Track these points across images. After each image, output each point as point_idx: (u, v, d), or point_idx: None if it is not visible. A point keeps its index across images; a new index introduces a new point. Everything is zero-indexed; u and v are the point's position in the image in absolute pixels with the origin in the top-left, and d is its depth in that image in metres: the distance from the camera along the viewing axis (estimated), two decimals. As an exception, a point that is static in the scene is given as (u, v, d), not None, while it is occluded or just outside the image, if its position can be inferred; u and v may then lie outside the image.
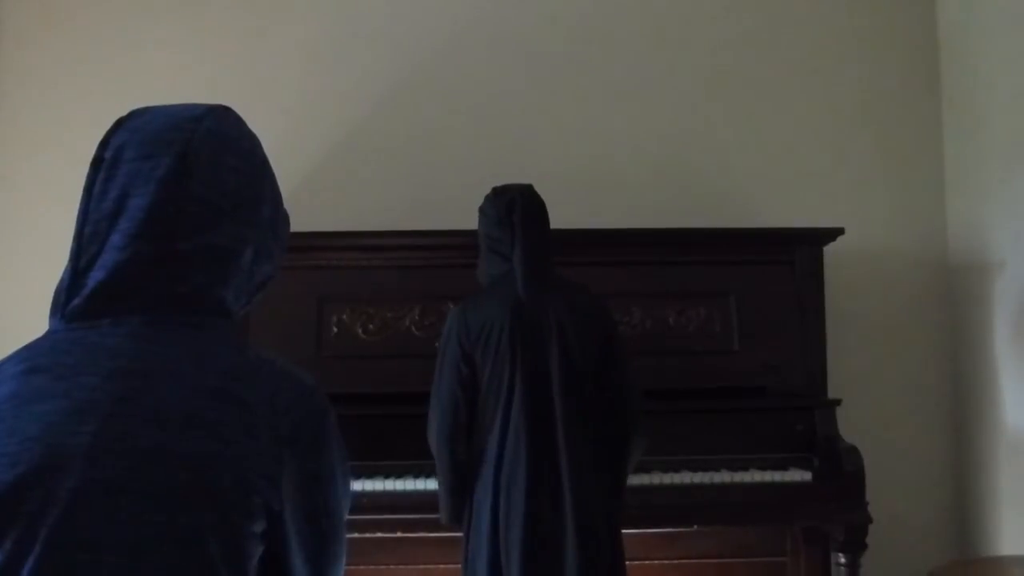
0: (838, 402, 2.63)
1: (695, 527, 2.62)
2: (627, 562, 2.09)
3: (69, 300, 0.86)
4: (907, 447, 3.04)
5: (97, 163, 0.90)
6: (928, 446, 3.08)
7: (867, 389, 2.96)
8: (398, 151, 3.12)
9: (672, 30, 3.20)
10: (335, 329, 2.68)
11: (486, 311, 2.06)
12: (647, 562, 2.65)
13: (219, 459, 0.80)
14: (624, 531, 2.12)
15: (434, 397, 2.09)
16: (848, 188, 3.15)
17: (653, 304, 2.72)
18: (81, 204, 0.89)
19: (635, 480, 2.31)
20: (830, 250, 2.80)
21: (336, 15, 3.18)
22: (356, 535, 2.37)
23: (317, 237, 2.64)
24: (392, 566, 2.67)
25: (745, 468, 2.48)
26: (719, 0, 3.22)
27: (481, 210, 2.22)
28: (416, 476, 2.41)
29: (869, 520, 2.47)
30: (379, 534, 2.46)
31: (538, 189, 2.22)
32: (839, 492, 2.46)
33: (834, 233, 2.76)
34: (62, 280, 0.88)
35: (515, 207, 2.13)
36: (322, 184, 3.05)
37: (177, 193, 0.88)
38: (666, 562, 2.70)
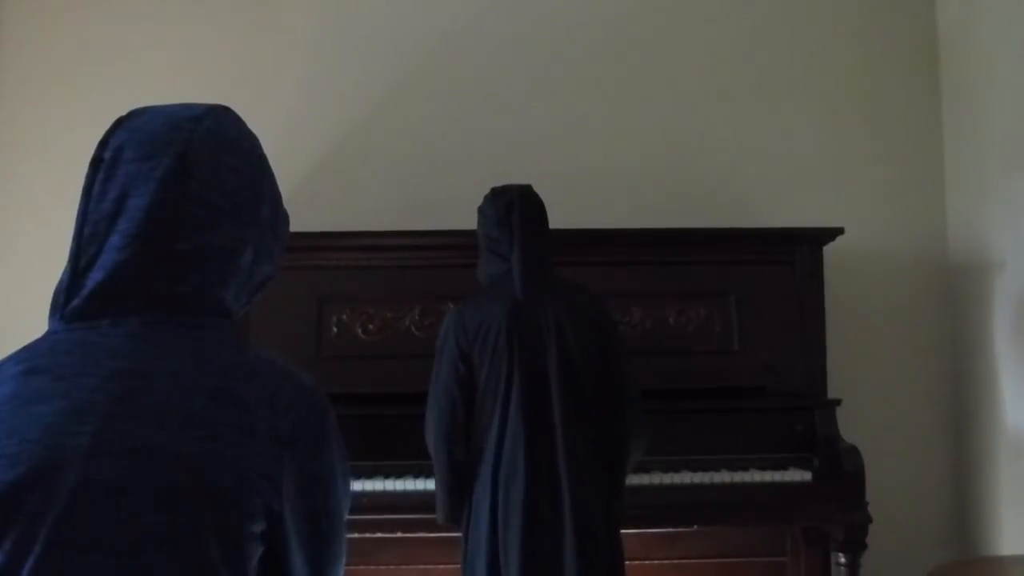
0: (838, 402, 2.63)
1: (695, 527, 2.62)
2: (627, 562, 2.09)
3: (68, 301, 0.86)
4: (907, 447, 3.04)
5: (96, 163, 0.90)
6: (928, 446, 3.07)
7: (867, 389, 2.95)
8: (398, 151, 3.12)
9: (672, 30, 3.20)
10: (335, 329, 2.68)
11: (484, 311, 2.07)
12: (647, 562, 2.65)
13: (219, 459, 0.80)
14: (624, 531, 2.12)
15: (431, 397, 2.09)
16: (848, 188, 3.14)
17: (653, 304, 2.72)
18: (80, 204, 0.89)
19: (635, 480, 2.31)
20: (830, 250, 2.80)
21: (336, 15, 3.18)
22: (356, 535, 2.37)
23: (317, 237, 2.64)
24: (392, 566, 2.67)
25: (745, 468, 2.48)
26: (719, 0, 3.22)
27: (480, 210, 2.22)
28: (416, 476, 2.41)
29: (869, 520, 2.47)
30: (379, 534, 2.46)
31: (538, 189, 2.22)
32: (839, 492, 2.46)
33: (834, 233, 2.76)
34: (61, 281, 0.88)
35: (514, 207, 2.13)
36: (322, 184, 3.05)
37: (176, 193, 0.87)
38: (666, 562, 2.70)
